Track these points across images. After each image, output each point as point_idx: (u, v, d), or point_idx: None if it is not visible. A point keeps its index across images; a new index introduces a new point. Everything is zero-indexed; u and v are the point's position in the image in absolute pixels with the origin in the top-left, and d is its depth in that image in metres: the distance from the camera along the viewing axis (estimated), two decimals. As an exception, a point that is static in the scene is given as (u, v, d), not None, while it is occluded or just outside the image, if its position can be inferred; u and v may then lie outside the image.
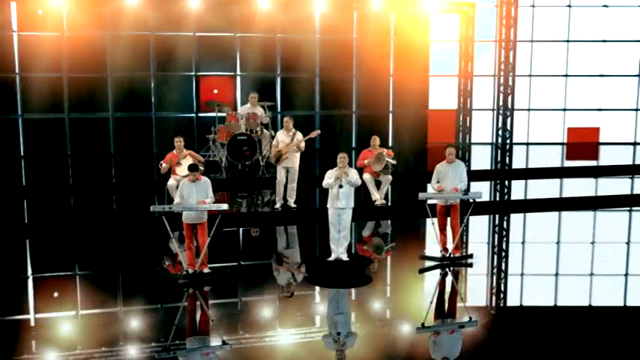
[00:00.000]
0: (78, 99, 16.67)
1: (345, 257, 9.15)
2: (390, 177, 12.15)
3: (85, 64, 16.40)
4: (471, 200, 9.55)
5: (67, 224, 11.44)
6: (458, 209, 9.54)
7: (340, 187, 8.93)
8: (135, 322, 7.99)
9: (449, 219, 9.62)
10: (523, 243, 11.65)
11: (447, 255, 9.47)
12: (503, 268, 10.21)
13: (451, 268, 9.40)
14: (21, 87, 16.48)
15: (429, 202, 9.60)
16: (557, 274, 9.86)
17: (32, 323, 7.98)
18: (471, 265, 9.63)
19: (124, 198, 13.30)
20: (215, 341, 7.20)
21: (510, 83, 18.35)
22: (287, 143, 11.52)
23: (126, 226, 11.33)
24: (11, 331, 7.65)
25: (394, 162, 12.10)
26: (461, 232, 9.70)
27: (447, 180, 9.43)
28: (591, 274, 9.83)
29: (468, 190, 9.59)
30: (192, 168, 8.83)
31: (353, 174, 9.03)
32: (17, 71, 16.39)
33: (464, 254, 9.92)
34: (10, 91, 16.43)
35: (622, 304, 8.72)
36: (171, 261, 9.81)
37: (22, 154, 16.56)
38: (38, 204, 12.91)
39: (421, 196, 9.30)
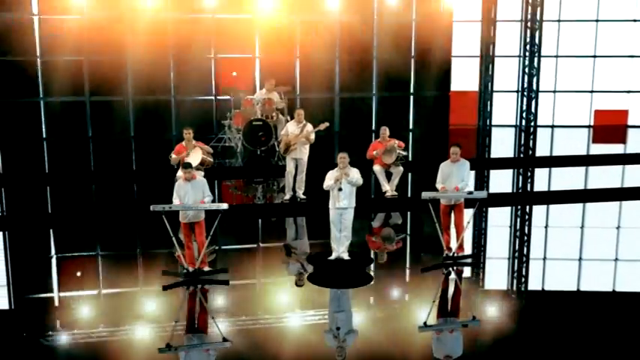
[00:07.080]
0: (98, 82, 16.74)
1: (345, 256, 9.10)
2: (401, 169, 12.01)
3: (105, 47, 16.41)
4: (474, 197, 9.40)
5: (88, 211, 11.76)
6: (462, 208, 9.38)
7: (339, 189, 8.82)
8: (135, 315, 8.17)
9: (452, 218, 9.48)
10: (546, 227, 11.63)
11: (451, 254, 9.35)
12: (524, 252, 10.34)
13: (454, 268, 9.32)
14: (42, 70, 16.63)
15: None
16: (580, 259, 9.91)
17: (57, 303, 8.66)
18: (474, 265, 9.55)
19: (144, 184, 13.47)
20: (215, 338, 7.31)
21: (536, 64, 17.88)
22: (296, 134, 11.47)
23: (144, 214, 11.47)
24: (31, 310, 8.35)
25: (405, 153, 11.96)
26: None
27: (451, 179, 9.25)
28: (616, 260, 9.86)
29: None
30: (186, 165, 8.79)
31: (354, 174, 8.90)
32: (38, 54, 16.53)
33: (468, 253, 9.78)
34: (31, 75, 16.61)
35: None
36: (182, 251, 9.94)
37: (44, 136, 16.83)
38: (60, 190, 13.15)
39: (424, 195, 9.13)
